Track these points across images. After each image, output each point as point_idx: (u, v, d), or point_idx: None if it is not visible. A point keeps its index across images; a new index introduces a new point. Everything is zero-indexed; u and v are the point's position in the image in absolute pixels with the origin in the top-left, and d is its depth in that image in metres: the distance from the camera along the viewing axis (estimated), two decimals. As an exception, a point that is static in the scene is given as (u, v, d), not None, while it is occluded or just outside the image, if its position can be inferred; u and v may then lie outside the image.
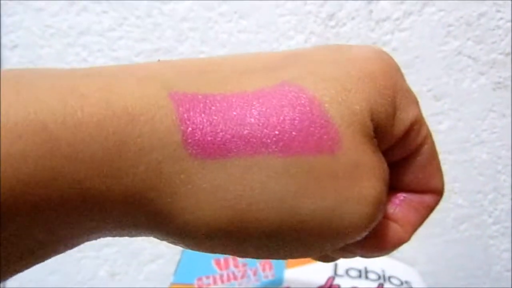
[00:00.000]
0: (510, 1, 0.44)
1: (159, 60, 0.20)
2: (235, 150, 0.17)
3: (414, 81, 0.45)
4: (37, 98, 0.16)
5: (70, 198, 0.16)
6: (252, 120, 0.17)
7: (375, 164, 0.19)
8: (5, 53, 0.46)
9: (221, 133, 0.17)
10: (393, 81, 0.20)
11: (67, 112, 0.16)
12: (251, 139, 0.17)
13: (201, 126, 0.17)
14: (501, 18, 0.45)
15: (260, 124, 0.17)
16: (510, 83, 0.46)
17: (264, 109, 0.18)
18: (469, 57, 0.45)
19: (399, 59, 0.44)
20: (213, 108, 0.17)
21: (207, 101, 0.17)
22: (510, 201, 0.49)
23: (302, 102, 0.18)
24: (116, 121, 0.16)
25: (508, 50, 0.45)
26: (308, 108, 0.18)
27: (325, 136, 0.18)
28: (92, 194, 0.16)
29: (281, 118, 0.18)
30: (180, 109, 0.17)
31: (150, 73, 0.18)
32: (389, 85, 0.20)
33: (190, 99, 0.17)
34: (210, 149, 0.17)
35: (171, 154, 0.17)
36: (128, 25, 0.44)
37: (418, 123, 0.21)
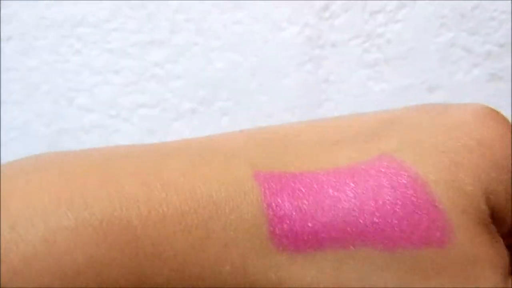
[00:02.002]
0: (504, -7, 0.44)
1: (241, 131, 0.18)
2: (327, 242, 0.15)
3: (408, 73, 0.45)
4: (122, 189, 0.15)
5: None
6: (347, 205, 0.15)
7: (493, 257, 0.15)
8: (0, 44, 0.46)
9: (311, 222, 0.15)
10: (505, 146, 0.17)
11: (151, 205, 0.15)
12: (346, 229, 0.15)
13: (289, 214, 0.15)
14: (495, 10, 0.45)
15: (356, 211, 0.15)
16: (504, 74, 0.46)
17: (360, 191, 0.15)
18: (463, 48, 0.45)
19: (393, 51, 0.45)
20: (303, 190, 0.15)
21: (296, 181, 0.15)
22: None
23: (404, 182, 0.15)
24: (200, 212, 0.15)
25: (502, 41, 0.45)
26: (411, 190, 0.15)
27: (433, 226, 0.15)
28: None
29: (380, 202, 0.15)
30: (267, 192, 0.15)
31: (233, 149, 0.17)
32: (507, 154, 0.16)
33: (277, 179, 0.15)
34: (299, 241, 0.15)
35: (258, 248, 0.15)
36: (122, 16, 0.44)
37: None
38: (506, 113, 0.19)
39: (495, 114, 0.17)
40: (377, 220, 0.15)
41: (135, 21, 0.44)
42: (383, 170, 0.15)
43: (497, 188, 0.16)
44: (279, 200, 0.15)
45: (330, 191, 0.15)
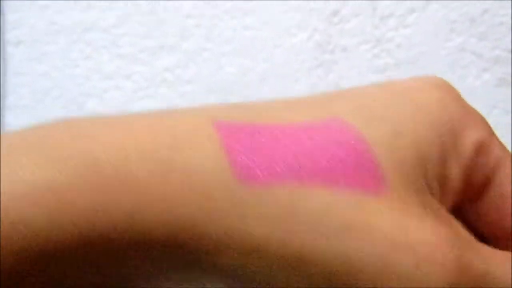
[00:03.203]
0: (513, -2, 0.45)
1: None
2: (282, 177, 0.16)
3: (418, 78, 0.45)
4: (86, 134, 0.16)
5: (115, 230, 0.15)
6: (299, 149, 0.17)
7: (428, 218, 0.17)
8: (10, 49, 0.46)
9: (267, 158, 0.16)
10: (450, 111, 0.18)
11: (113, 142, 0.16)
12: (297, 167, 0.16)
13: (247, 151, 0.16)
14: (505, 15, 0.45)
15: (307, 154, 0.16)
16: (513, 79, 0.46)
17: (310, 142, 0.17)
18: (473, 53, 0.46)
19: (403, 55, 0.45)
20: (258, 134, 0.17)
21: (253, 128, 0.17)
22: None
23: (348, 139, 0.17)
24: (159, 141, 0.16)
25: (511, 46, 0.45)
26: (354, 147, 0.17)
27: (369, 175, 0.17)
28: (137, 225, 0.15)
29: (328, 152, 0.17)
30: (225, 136, 0.16)
31: (196, 110, 0.18)
32: (446, 118, 0.18)
33: (236, 127, 0.17)
34: (257, 173, 0.16)
35: (219, 178, 0.16)
36: (132, 21, 0.45)
37: (484, 145, 0.19)
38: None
39: (440, 82, 0.19)
40: (325, 164, 0.16)
41: (145, 26, 0.45)
42: (332, 129, 0.17)
43: (433, 154, 0.17)
44: (236, 140, 0.16)
45: (284, 138, 0.17)
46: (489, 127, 0.19)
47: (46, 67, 0.46)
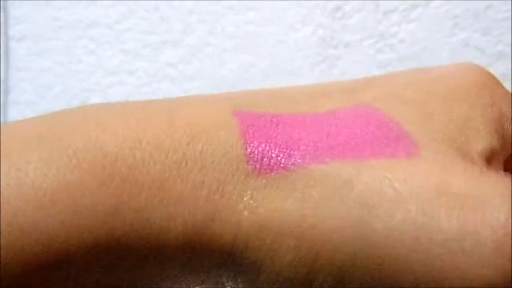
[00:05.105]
0: (517, -7, 0.44)
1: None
2: (299, 160, 0.15)
3: (421, 73, 0.45)
4: (98, 121, 0.15)
5: (131, 233, 0.14)
6: (322, 133, 0.16)
7: (472, 173, 0.15)
8: (13, 44, 0.46)
9: (288, 147, 0.15)
10: (488, 89, 0.17)
11: (127, 132, 0.15)
12: (318, 145, 0.15)
13: (266, 140, 0.15)
14: (508, 10, 0.45)
15: (330, 135, 0.16)
16: (516, 74, 0.46)
17: (335, 125, 0.16)
18: (476, 48, 0.45)
19: (406, 51, 0.45)
20: (279, 125, 0.16)
21: (273, 119, 0.16)
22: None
23: (378, 118, 0.16)
24: (177, 138, 0.15)
25: (515, 41, 0.45)
26: (383, 122, 0.16)
27: (400, 144, 0.15)
28: (153, 227, 0.14)
29: (353, 130, 0.16)
30: (244, 124, 0.16)
31: (216, 97, 0.18)
32: (484, 94, 0.17)
33: (256, 116, 0.16)
34: (274, 163, 0.15)
35: (234, 172, 0.15)
36: (135, 17, 0.45)
37: None
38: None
39: (473, 68, 0.18)
40: (348, 140, 0.16)
41: (148, 22, 0.45)
42: (359, 113, 0.16)
43: (479, 127, 0.16)
44: (255, 129, 0.16)
45: (308, 126, 0.16)
46: None
47: (49, 63, 0.46)
